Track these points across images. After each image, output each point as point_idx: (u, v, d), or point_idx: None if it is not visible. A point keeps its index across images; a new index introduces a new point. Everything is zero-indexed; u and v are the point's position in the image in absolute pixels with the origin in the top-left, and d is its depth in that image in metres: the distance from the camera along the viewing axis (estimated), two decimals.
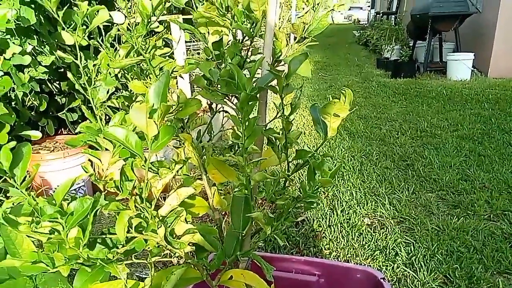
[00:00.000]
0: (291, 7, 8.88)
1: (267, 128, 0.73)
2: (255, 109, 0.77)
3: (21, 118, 2.26)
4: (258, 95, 0.71)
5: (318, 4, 0.77)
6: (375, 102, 5.01)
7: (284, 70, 0.69)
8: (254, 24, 0.76)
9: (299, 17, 0.80)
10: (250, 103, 0.67)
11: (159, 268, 1.67)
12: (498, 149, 3.21)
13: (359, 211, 2.33)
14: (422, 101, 4.88)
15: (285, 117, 0.68)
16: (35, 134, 2.35)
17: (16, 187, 0.61)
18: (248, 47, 0.81)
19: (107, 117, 0.87)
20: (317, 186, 0.65)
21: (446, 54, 6.65)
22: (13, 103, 2.19)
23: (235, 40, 0.80)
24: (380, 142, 3.54)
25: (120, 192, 0.58)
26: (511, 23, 5.87)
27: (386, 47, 7.89)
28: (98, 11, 0.75)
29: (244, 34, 0.78)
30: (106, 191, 0.71)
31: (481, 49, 6.24)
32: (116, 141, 0.54)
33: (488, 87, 5.37)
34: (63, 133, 2.82)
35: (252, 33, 0.75)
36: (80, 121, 2.70)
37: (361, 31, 12.29)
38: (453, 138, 3.53)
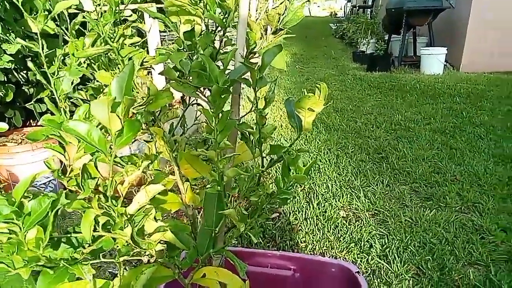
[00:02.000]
0: None
1: (240, 122, 0.71)
2: (228, 103, 0.75)
3: None
4: (231, 88, 0.69)
5: None
6: (351, 95, 5.05)
7: (258, 63, 0.66)
8: (227, 14, 0.73)
9: (274, 8, 0.77)
10: (222, 96, 0.64)
11: (134, 265, 1.64)
12: (469, 142, 3.28)
13: (335, 204, 2.34)
14: (397, 95, 4.95)
15: (259, 111, 0.66)
16: (1, 126, 2.24)
17: None
18: (221, 38, 0.78)
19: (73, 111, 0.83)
20: (291, 182, 0.63)
21: (420, 48, 6.76)
22: None
23: (208, 31, 0.77)
24: (355, 135, 3.57)
25: (81, 191, 0.55)
26: (483, 19, 6.01)
27: (362, 40, 7.96)
28: None
29: (217, 24, 0.75)
30: (68, 188, 0.67)
31: (454, 44, 6.37)
32: (77, 137, 0.51)
33: (460, 82, 5.50)
34: (32, 125, 2.71)
35: (225, 23, 0.72)
36: (49, 112, 2.60)
37: (337, 24, 12.35)
38: (426, 131, 3.59)
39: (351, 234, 2.04)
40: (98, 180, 0.56)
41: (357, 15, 10.53)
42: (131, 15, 1.00)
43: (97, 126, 0.56)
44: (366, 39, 7.82)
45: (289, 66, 7.15)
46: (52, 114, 0.83)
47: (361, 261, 1.83)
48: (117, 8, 0.83)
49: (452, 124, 3.77)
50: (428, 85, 5.35)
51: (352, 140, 3.43)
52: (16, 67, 2.25)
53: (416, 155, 3.05)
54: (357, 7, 12.55)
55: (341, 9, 22.43)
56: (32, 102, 2.48)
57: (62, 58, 0.84)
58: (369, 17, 9.67)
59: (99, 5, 0.78)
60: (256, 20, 0.83)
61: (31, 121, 2.72)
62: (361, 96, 5.00)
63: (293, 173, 0.64)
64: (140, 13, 2.61)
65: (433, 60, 6.13)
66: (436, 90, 5.08)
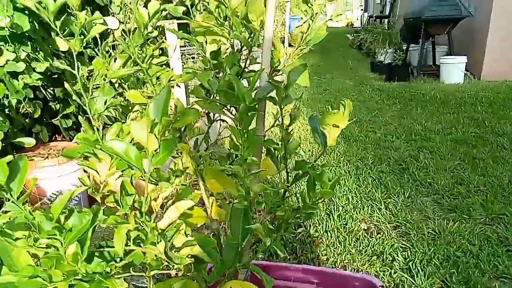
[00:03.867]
0: (285, 10, 8.91)
1: (265, 138, 0.73)
2: (254, 119, 0.77)
3: (14, 125, 2.24)
4: (257, 106, 0.71)
5: (316, 14, 0.77)
6: (370, 106, 5.03)
7: (282, 80, 0.68)
8: (252, 34, 0.75)
9: (297, 27, 0.80)
10: (249, 114, 0.67)
11: (156, 278, 1.66)
12: (492, 152, 3.23)
13: (356, 216, 2.33)
14: (416, 105, 4.91)
15: (284, 127, 0.68)
16: (29, 141, 2.33)
17: (13, 202, 0.60)
18: (246, 57, 0.80)
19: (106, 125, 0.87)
20: (317, 198, 0.65)
21: (439, 57, 6.69)
22: (6, 110, 2.16)
23: (233, 50, 0.79)
24: (375, 146, 3.55)
25: (120, 207, 0.58)
26: (503, 26, 5.93)
27: (379, 50, 7.93)
28: (95, 21, 0.75)
29: (242, 44, 0.78)
30: (103, 204, 0.70)
31: (474, 52, 6.29)
32: (116, 155, 0.53)
33: (481, 90, 5.42)
34: (58, 139, 2.79)
35: (250, 43, 0.75)
36: (74, 127, 2.68)
37: (354, 34, 12.34)
38: (448, 141, 3.55)
39: (373, 247, 2.02)
40: (134, 197, 0.58)
41: (374, 25, 10.51)
42: (153, 31, 1.04)
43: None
44: (384, 49, 7.79)
45: None
46: (79, 127, 0.87)
47: (384, 274, 1.81)
48: (146, 29, 0.87)
49: (474, 133, 3.71)
50: (448, 95, 5.29)
51: (371, 151, 3.41)
52: (43, 84, 2.33)
53: (438, 166, 3.01)
54: (374, 17, 12.53)
55: (357, 19, 22.42)
56: (59, 117, 2.55)
57: (91, 76, 0.88)
58: (386, 27, 9.64)
59: (128, 23, 0.82)
60: (274, 31, 0.85)
61: (56, 136, 2.80)
62: (380, 106, 4.97)
63: (318, 188, 0.65)
64: (161, 29, 2.67)
65: (453, 69, 6.06)
66: (456, 99, 5.01)
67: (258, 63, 0.78)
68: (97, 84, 0.90)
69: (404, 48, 7.53)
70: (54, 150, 2.54)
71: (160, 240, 0.59)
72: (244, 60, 0.81)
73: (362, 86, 6.27)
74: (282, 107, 0.67)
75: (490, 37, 6.01)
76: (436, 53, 7.00)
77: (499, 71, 6.03)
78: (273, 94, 0.70)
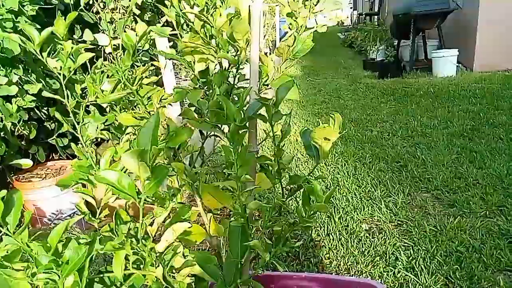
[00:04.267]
0: (275, 14, 8.94)
1: (259, 155, 0.74)
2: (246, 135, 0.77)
3: (10, 147, 2.24)
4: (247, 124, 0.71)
5: (301, 26, 0.78)
6: (364, 104, 5.04)
7: (272, 97, 0.69)
8: (239, 52, 0.76)
9: (283, 40, 0.80)
10: (240, 132, 0.67)
11: None
12: (488, 144, 3.24)
13: (356, 217, 2.33)
14: (411, 100, 4.92)
15: (276, 144, 0.68)
16: (26, 163, 2.33)
17: (10, 235, 0.60)
18: (234, 75, 0.81)
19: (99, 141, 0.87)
20: (312, 211, 0.65)
21: (430, 51, 6.72)
22: (2, 133, 2.17)
23: (221, 68, 0.80)
24: (372, 144, 3.56)
25: (115, 236, 0.58)
26: (492, 17, 5.96)
27: (371, 48, 7.96)
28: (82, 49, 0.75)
29: (230, 62, 0.78)
30: (100, 229, 0.70)
31: (465, 44, 6.33)
32: (108, 184, 0.54)
33: (474, 82, 5.44)
34: (54, 158, 2.80)
35: (238, 60, 0.76)
36: (70, 146, 2.68)
37: (345, 33, 12.39)
38: (444, 135, 3.56)
39: (376, 247, 2.03)
40: (129, 224, 0.59)
41: (364, 23, 10.55)
42: (144, 45, 1.05)
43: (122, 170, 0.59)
44: (375, 47, 7.82)
45: (300, 79, 7.19)
46: (75, 143, 0.87)
47: (387, 274, 1.81)
48: (134, 51, 0.88)
49: (470, 126, 3.72)
50: (442, 88, 5.31)
51: (369, 150, 3.42)
52: (37, 105, 2.33)
53: (436, 161, 3.02)
54: (364, 15, 12.59)
55: (347, 17, 22.50)
56: (54, 136, 2.56)
57: (85, 94, 0.89)
58: (376, 24, 9.68)
59: (118, 38, 0.83)
60: (264, 36, 0.86)
61: (53, 155, 2.80)
62: (375, 104, 4.98)
63: (313, 202, 0.66)
64: (152, 41, 2.68)
65: (445, 63, 6.08)
66: (450, 93, 5.03)
67: (247, 79, 0.79)
68: (88, 106, 0.90)
69: (395, 44, 7.56)
70: (51, 170, 2.55)
71: (158, 265, 0.59)
72: (233, 77, 0.82)
73: (356, 85, 6.29)
74: (272, 124, 0.67)
75: (480, 29, 6.04)
76: (427, 48, 7.03)
77: (491, 62, 6.06)
78: (262, 111, 0.70)
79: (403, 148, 3.38)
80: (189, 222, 0.67)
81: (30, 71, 2.11)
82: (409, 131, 3.80)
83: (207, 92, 0.86)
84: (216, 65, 0.89)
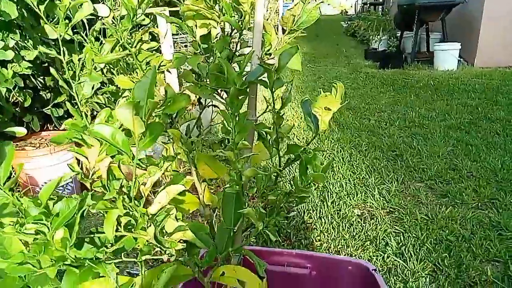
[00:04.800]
0: None
1: (257, 122, 0.72)
2: (245, 103, 0.76)
3: (5, 114, 2.21)
4: (248, 89, 0.70)
5: None
6: (364, 93, 5.02)
7: (274, 64, 0.67)
8: (242, 17, 0.74)
9: (288, 10, 0.78)
10: (240, 98, 0.66)
11: (150, 265, 1.66)
12: (485, 138, 3.24)
13: (349, 202, 2.34)
14: (410, 92, 4.91)
15: (276, 111, 0.67)
16: (20, 131, 2.30)
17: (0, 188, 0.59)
18: (237, 40, 0.79)
19: (95, 112, 0.85)
20: (309, 181, 0.64)
21: (433, 44, 6.68)
22: None
23: (224, 34, 0.78)
24: (369, 133, 3.56)
25: (107, 191, 0.57)
26: (497, 13, 5.92)
27: (373, 38, 7.90)
28: (81, 5, 0.73)
29: (233, 27, 0.76)
30: (93, 190, 0.69)
31: (468, 39, 6.29)
32: (102, 140, 0.52)
33: (474, 77, 5.42)
34: (49, 129, 2.77)
35: (241, 26, 0.74)
36: (66, 116, 2.65)
37: (348, 22, 12.28)
38: (441, 128, 3.56)
39: (366, 232, 2.04)
40: (122, 181, 0.57)
41: (368, 12, 10.46)
42: (144, 19, 1.02)
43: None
44: (378, 36, 7.76)
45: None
46: (71, 116, 0.86)
47: (376, 259, 1.83)
48: (135, 14, 0.85)
49: (467, 120, 3.72)
50: (442, 81, 5.29)
51: (365, 138, 3.41)
52: (33, 72, 2.30)
53: (431, 152, 3.02)
54: (368, 4, 12.46)
55: (351, 6, 22.29)
56: (50, 106, 2.53)
57: (82, 64, 0.87)
58: (380, 14, 9.59)
59: (118, 10, 0.80)
60: (267, 19, 0.84)
61: (48, 125, 2.77)
62: (374, 93, 4.97)
63: (310, 172, 0.65)
64: (152, 16, 2.64)
65: (447, 56, 6.05)
66: (450, 86, 5.02)
67: (249, 46, 0.77)
68: (86, 72, 0.88)
69: (398, 35, 7.50)
70: (45, 140, 2.52)
71: (150, 225, 0.58)
72: (235, 44, 0.80)
73: (356, 74, 6.26)
74: (273, 90, 0.66)
75: (483, 24, 6.00)
76: (430, 40, 6.98)
77: (493, 58, 6.04)
78: (264, 78, 0.69)
79: (400, 138, 3.38)
80: (184, 186, 0.66)
81: (27, 37, 2.07)
82: (406, 121, 3.80)
83: (208, 60, 0.84)
84: (218, 33, 0.87)
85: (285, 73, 5.86)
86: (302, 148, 0.67)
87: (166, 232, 0.71)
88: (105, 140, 0.52)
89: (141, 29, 0.96)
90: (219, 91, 0.76)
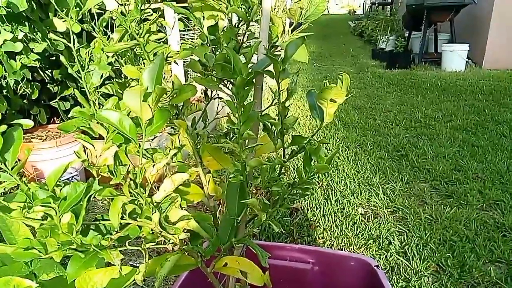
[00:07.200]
0: None
1: (263, 113, 0.73)
2: (251, 95, 0.77)
3: (12, 106, 2.23)
4: (254, 80, 0.70)
5: None
6: (370, 92, 5.01)
7: (280, 55, 0.68)
8: (250, 8, 0.74)
9: (296, 2, 0.79)
10: (246, 88, 0.66)
11: (153, 256, 1.67)
12: (491, 139, 3.22)
13: (353, 201, 2.34)
14: (417, 92, 4.89)
15: (281, 102, 0.67)
16: (27, 123, 2.31)
17: (7, 172, 0.60)
18: (244, 32, 0.79)
19: (100, 105, 0.86)
20: (313, 172, 0.65)
21: (441, 45, 6.64)
22: (4, 91, 2.15)
23: (231, 25, 0.78)
24: (374, 132, 3.55)
25: (113, 176, 0.57)
26: (506, 15, 5.88)
27: (381, 37, 7.86)
28: None
29: (240, 19, 0.77)
30: (99, 177, 0.70)
31: (476, 40, 6.25)
32: (109, 125, 0.53)
33: (482, 78, 5.39)
34: (56, 122, 2.79)
35: (248, 17, 0.74)
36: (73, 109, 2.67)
37: (356, 21, 12.23)
38: (447, 128, 3.54)
39: (370, 231, 2.04)
40: (128, 167, 0.58)
41: (376, 12, 10.41)
42: (152, 14, 1.03)
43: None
44: (386, 36, 7.73)
45: (307, 64, 7.13)
46: (80, 105, 0.87)
47: (380, 257, 1.82)
48: (143, 5, 0.86)
49: (474, 121, 3.70)
50: (449, 82, 5.26)
51: (371, 137, 3.41)
52: (41, 65, 2.31)
53: (437, 152, 3.01)
54: (376, 4, 12.39)
55: (359, 6, 22.18)
56: (57, 99, 2.54)
57: (90, 53, 0.87)
58: (388, 14, 9.54)
59: (124, 4, 0.81)
60: (274, 10, 0.84)
61: (55, 118, 2.79)
62: (380, 93, 4.95)
63: (314, 163, 0.65)
64: (160, 12, 2.65)
65: (455, 57, 6.02)
66: (457, 87, 4.99)
67: (256, 38, 0.77)
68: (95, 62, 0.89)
69: (406, 35, 7.47)
70: (52, 133, 2.54)
71: (155, 212, 0.59)
72: (242, 36, 0.80)
73: (363, 73, 6.24)
74: (279, 81, 0.66)
75: (492, 25, 5.95)
76: (438, 41, 6.94)
77: (501, 60, 5.99)
78: (270, 68, 0.69)
79: (405, 138, 3.37)
80: (189, 175, 0.67)
81: (36, 30, 2.08)
82: (412, 122, 3.78)
83: (215, 51, 0.85)
84: (225, 26, 0.87)
85: (291, 69, 5.86)
86: (307, 140, 0.68)
87: (170, 221, 0.71)
88: (113, 125, 0.52)
89: (149, 21, 0.96)
90: (225, 82, 0.77)
